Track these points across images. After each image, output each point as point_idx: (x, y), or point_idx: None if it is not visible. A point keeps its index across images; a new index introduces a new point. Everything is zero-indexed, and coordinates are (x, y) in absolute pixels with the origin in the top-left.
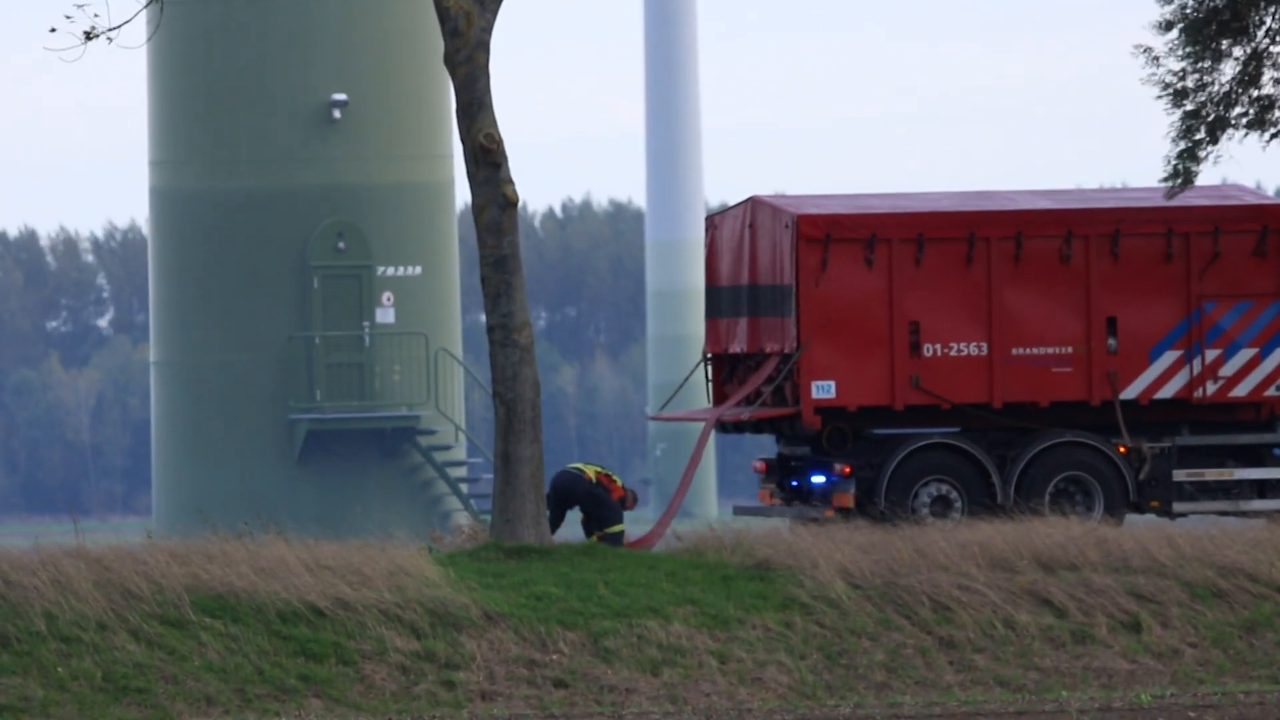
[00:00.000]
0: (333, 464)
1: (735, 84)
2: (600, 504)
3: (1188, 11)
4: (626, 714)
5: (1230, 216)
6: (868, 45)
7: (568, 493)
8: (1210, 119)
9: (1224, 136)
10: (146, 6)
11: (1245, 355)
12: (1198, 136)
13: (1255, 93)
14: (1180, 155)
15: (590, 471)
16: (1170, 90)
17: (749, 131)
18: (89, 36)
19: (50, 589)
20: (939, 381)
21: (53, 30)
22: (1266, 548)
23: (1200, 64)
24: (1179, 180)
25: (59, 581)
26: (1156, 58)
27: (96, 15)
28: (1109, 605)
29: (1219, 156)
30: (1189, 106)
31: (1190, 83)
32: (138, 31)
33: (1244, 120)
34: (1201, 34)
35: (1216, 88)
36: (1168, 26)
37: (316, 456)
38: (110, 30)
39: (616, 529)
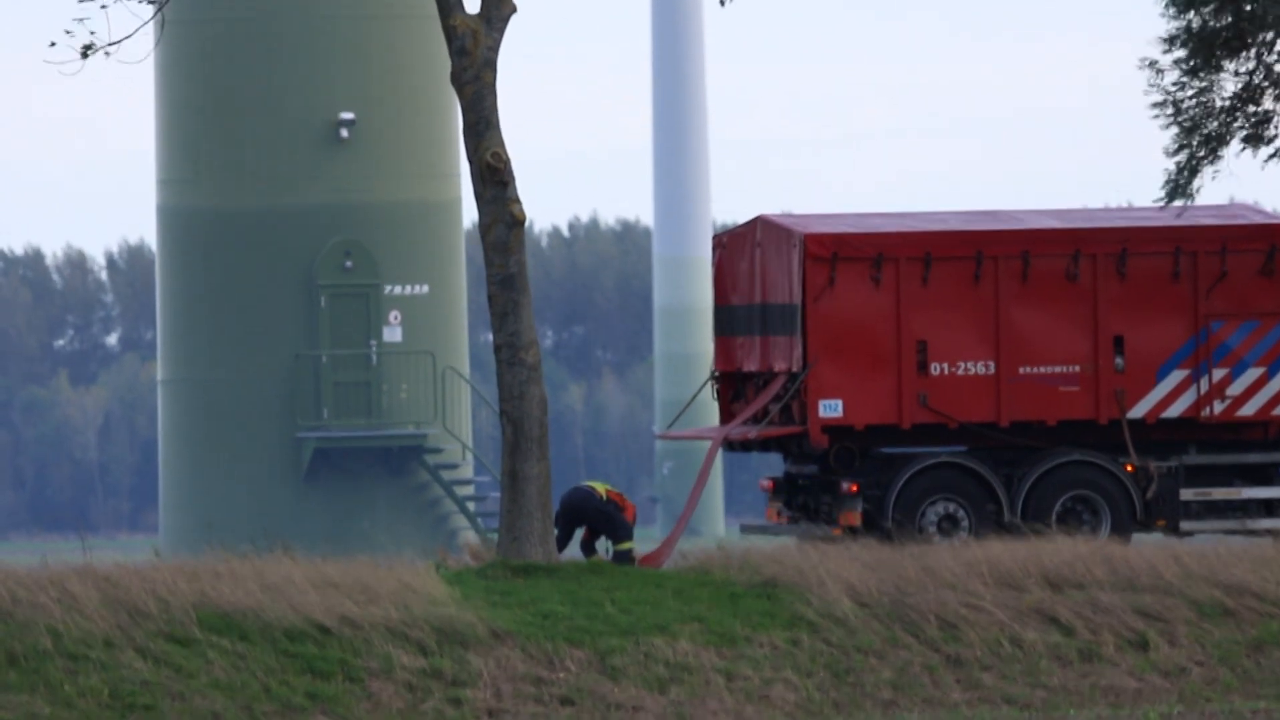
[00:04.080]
0: (340, 482)
1: (743, 101)
2: (611, 521)
3: (1191, 28)
4: None
5: (1237, 235)
6: (875, 62)
7: (578, 510)
8: (1208, 133)
9: (1224, 152)
10: (145, 25)
11: (1252, 374)
12: (1197, 151)
13: (1253, 109)
14: (1179, 169)
15: (601, 489)
16: (1170, 102)
17: (756, 148)
18: (86, 52)
19: (57, 607)
20: (946, 400)
21: (52, 44)
22: (1274, 566)
23: (1202, 80)
24: (1176, 194)
25: (66, 599)
26: (1160, 71)
27: (94, 32)
28: (1116, 623)
29: (1218, 172)
30: (1187, 121)
31: (1190, 98)
32: (144, 46)
33: (1241, 135)
34: (1204, 50)
35: (1217, 104)
36: (1172, 42)
37: (324, 475)
38: (109, 45)
39: (626, 546)
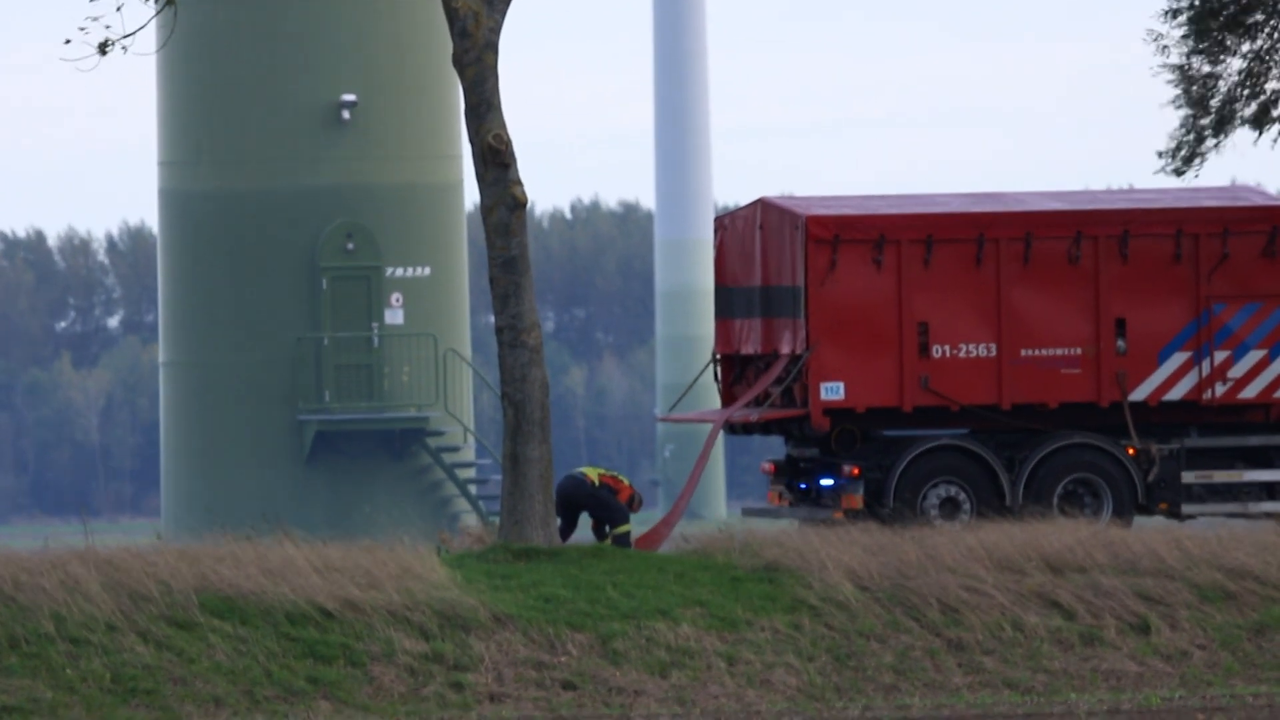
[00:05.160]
0: (341, 465)
1: (744, 84)
2: (604, 505)
3: (1195, 2)
4: (635, 715)
5: (1239, 218)
6: (876, 46)
7: (571, 497)
8: (1216, 109)
9: (1231, 130)
10: (159, 13)
11: (1254, 357)
12: (1203, 122)
13: (1258, 87)
14: (1184, 138)
15: (593, 474)
16: (1180, 77)
17: (758, 132)
18: (103, 49)
19: (59, 590)
20: (948, 383)
21: (67, 42)
22: (1275, 550)
23: (1208, 57)
24: (1176, 161)
25: (68, 583)
26: (1166, 46)
27: (109, 26)
28: (1117, 607)
29: (1221, 146)
30: (1195, 93)
31: (1197, 73)
32: (150, 36)
33: (1247, 116)
34: (1208, 27)
35: (1223, 82)
36: (1174, 14)
37: (325, 457)
38: (124, 39)
39: (623, 529)
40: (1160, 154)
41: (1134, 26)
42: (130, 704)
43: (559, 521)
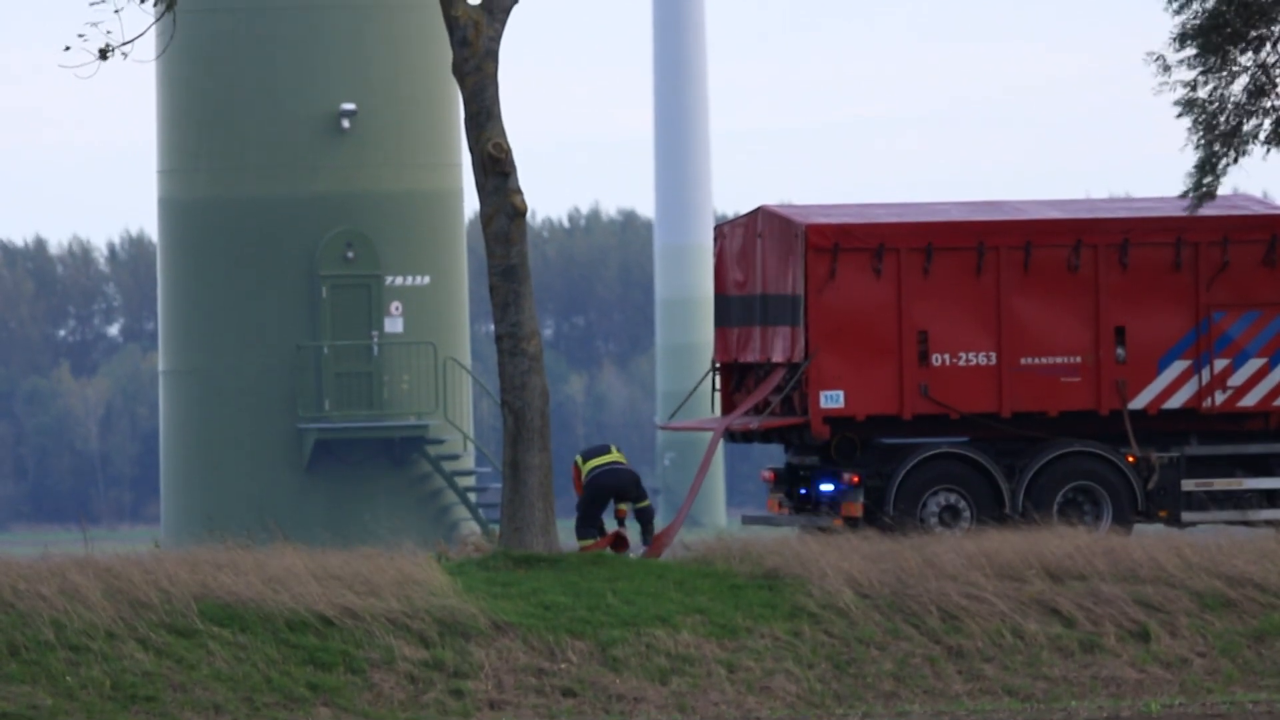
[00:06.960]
0: (341, 473)
1: (744, 91)
2: (642, 489)
3: (1198, 20)
4: None
5: (1239, 226)
6: (876, 51)
7: (624, 491)
8: (1226, 130)
9: (1246, 150)
10: (159, 20)
11: (1254, 365)
12: (1215, 148)
13: (1268, 104)
14: (1199, 167)
15: (625, 460)
16: (1184, 100)
17: (757, 138)
18: (104, 55)
19: (59, 598)
20: (947, 391)
21: (67, 49)
22: (1275, 557)
23: (1212, 75)
24: (1199, 192)
25: (67, 590)
26: (1168, 67)
27: (110, 32)
28: (1117, 615)
29: (1235, 165)
30: (1203, 117)
31: (1203, 93)
32: (150, 43)
33: (1260, 134)
34: (1211, 43)
35: (1230, 98)
36: (1183, 39)
37: (325, 465)
38: (124, 45)
39: (645, 504)
40: (1186, 192)
41: (1135, 31)
42: (130, 711)
43: (587, 505)
